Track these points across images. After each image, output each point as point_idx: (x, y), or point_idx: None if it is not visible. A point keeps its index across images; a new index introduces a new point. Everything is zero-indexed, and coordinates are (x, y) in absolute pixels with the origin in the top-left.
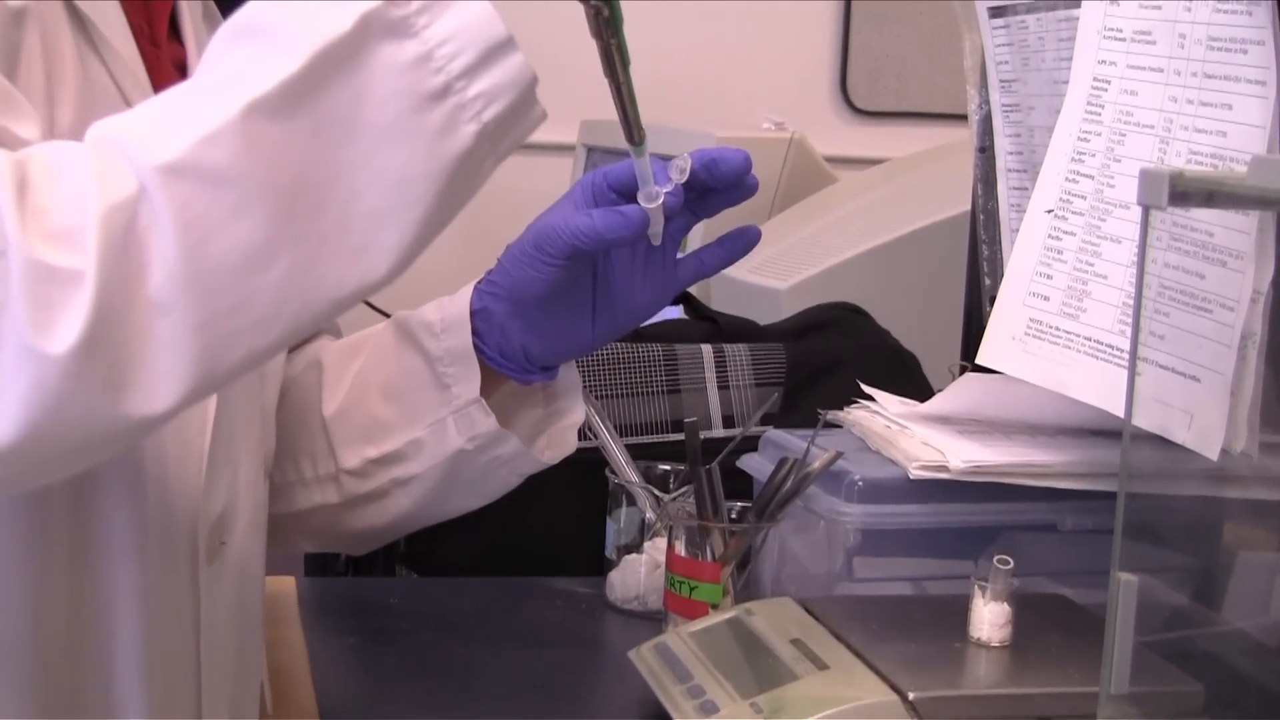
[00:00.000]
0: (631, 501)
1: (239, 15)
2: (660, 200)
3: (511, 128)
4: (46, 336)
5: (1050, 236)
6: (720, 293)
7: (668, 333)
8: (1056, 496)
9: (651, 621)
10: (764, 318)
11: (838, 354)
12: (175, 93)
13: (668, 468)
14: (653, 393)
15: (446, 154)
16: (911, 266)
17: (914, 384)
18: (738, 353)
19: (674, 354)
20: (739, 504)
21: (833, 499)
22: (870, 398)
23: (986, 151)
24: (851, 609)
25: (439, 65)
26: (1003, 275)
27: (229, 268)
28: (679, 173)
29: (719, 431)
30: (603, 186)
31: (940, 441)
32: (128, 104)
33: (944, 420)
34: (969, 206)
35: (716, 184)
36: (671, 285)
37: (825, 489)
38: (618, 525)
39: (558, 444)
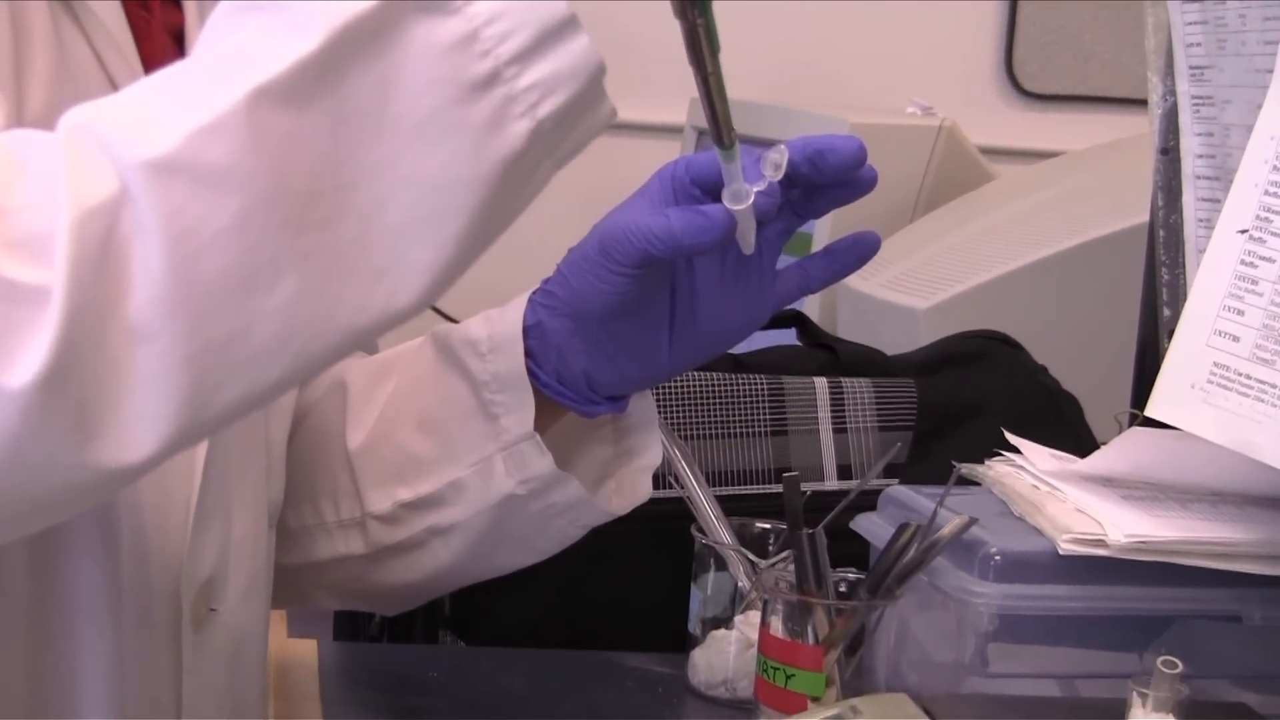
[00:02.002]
0: (722, 566)
1: None
2: (750, 200)
3: (573, 126)
4: (3, 367)
5: (1244, 262)
6: (848, 311)
7: (775, 362)
8: (1242, 582)
9: (741, 713)
10: (897, 343)
11: (981, 394)
12: (167, 74)
13: (768, 526)
14: (754, 434)
15: (493, 156)
16: (1078, 288)
17: (1072, 434)
18: (859, 389)
19: (781, 388)
20: (851, 574)
21: (964, 574)
22: (1016, 450)
23: (1170, 154)
24: (981, 710)
25: (485, 48)
26: (1185, 305)
27: (226, 289)
28: (773, 168)
29: (833, 484)
30: (684, 180)
31: (1098, 509)
32: (112, 82)
33: (1105, 482)
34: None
35: (824, 179)
36: (767, 303)
37: (955, 562)
38: (704, 594)
39: (628, 491)
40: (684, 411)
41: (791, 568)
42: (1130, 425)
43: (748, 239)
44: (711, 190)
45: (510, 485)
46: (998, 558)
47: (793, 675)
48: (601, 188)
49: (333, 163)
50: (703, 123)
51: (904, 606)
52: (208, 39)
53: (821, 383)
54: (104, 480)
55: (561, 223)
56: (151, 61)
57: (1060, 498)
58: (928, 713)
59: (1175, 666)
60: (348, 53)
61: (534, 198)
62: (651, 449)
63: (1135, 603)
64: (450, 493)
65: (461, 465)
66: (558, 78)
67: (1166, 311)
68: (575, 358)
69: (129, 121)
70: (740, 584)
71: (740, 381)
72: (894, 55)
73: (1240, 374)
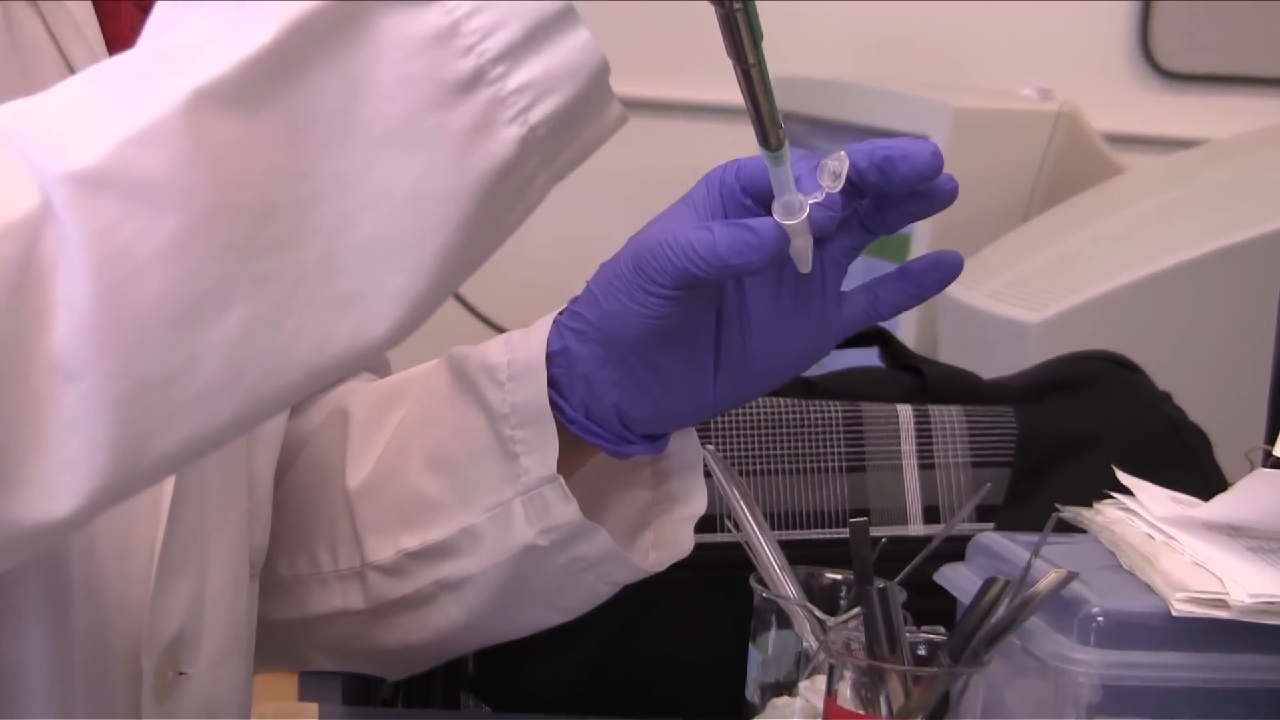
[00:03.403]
0: (785, 623)
1: None
2: (804, 214)
3: (573, 133)
4: None
5: None
6: (949, 326)
7: (852, 386)
8: None
9: None
10: (1005, 363)
11: (1092, 426)
12: (101, 71)
13: (839, 577)
14: (826, 469)
15: (477, 167)
16: (1214, 302)
17: (1198, 474)
18: (949, 418)
19: (859, 416)
20: (931, 635)
21: (1061, 638)
22: (1130, 491)
23: None
24: None
25: (468, 43)
26: None
27: (163, 319)
28: (831, 177)
29: (918, 528)
30: (734, 188)
31: (1220, 563)
32: (70, 68)
33: (1230, 531)
34: None
35: (895, 189)
36: (830, 331)
37: (1052, 623)
38: (763, 655)
39: (668, 545)
40: (744, 442)
41: (862, 628)
42: (1263, 464)
43: (804, 257)
44: (767, 201)
45: (530, 535)
46: (1101, 619)
47: None
48: (669, 176)
49: (289, 175)
50: (784, 104)
51: (992, 674)
52: (151, 31)
53: (906, 410)
54: (24, 537)
55: (612, 214)
56: (118, 44)
57: (1177, 549)
58: None
59: None
60: (306, 49)
61: (529, 213)
62: (695, 497)
63: (1262, 674)
64: (463, 541)
65: (476, 510)
66: (552, 78)
67: None
68: (606, 390)
69: (54, 128)
70: (806, 644)
71: (811, 408)
72: (1007, 28)
73: None
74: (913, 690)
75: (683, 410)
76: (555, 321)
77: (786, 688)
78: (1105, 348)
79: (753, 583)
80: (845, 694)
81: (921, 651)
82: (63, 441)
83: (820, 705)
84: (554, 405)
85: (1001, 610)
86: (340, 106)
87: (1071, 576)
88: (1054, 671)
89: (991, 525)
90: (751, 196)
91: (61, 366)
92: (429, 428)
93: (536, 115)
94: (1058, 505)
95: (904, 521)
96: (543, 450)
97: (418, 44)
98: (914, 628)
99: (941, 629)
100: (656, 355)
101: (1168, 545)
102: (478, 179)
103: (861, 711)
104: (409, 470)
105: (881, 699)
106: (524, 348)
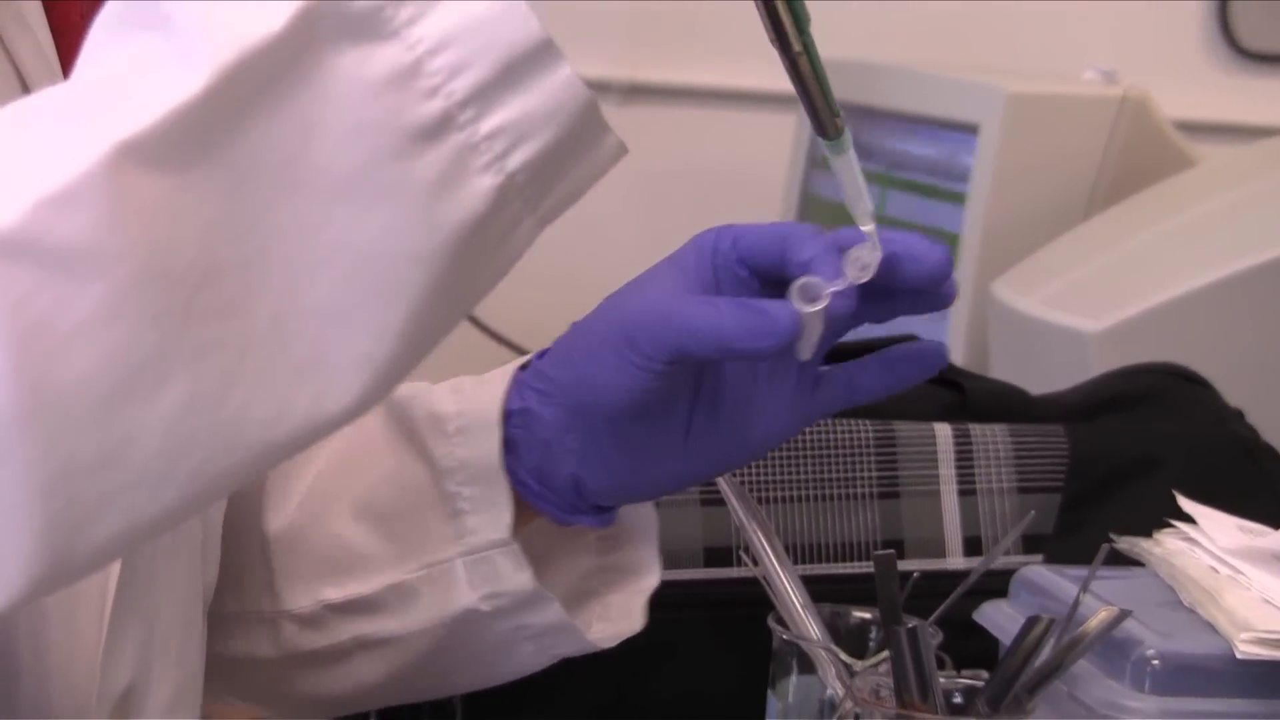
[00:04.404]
0: (807, 667)
1: None
2: (824, 302)
3: (560, 174)
4: None
5: None
6: (1001, 335)
7: (885, 403)
8: None
9: None
10: (1062, 377)
11: (1154, 446)
12: (26, 111)
13: (868, 616)
14: (855, 495)
15: (447, 222)
16: None
17: (1272, 499)
18: (992, 438)
19: (892, 437)
20: (969, 680)
21: (1113, 684)
22: (1192, 519)
23: None
24: None
25: (432, 84)
26: None
27: (91, 398)
28: (858, 268)
29: (957, 561)
30: (730, 257)
31: None
32: (10, 59)
33: None
34: None
35: (896, 287)
36: (804, 416)
37: (1103, 667)
38: (783, 703)
39: (618, 617)
40: (763, 467)
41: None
42: None
43: (809, 345)
44: (766, 274)
45: (473, 599)
46: (1156, 662)
47: None
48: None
49: (230, 232)
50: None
51: None
52: (84, 60)
53: (944, 430)
54: None
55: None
56: (67, 34)
57: (1244, 584)
58: None
59: None
60: (246, 94)
61: (513, 263)
62: (652, 569)
63: None
64: (390, 598)
65: (409, 566)
66: (531, 120)
67: None
68: (565, 457)
69: None
70: (830, 691)
71: (838, 428)
72: (1066, 5)
73: None
74: None
75: (642, 485)
76: (515, 378)
77: None
78: (1171, 359)
79: (771, 623)
80: None
81: (957, 699)
82: None
83: None
84: (505, 466)
85: (1047, 652)
86: (287, 155)
87: (1125, 615)
88: None
89: (1039, 558)
90: (749, 268)
91: None
92: (360, 472)
93: (515, 161)
94: (1112, 535)
95: (942, 554)
96: (493, 510)
97: (375, 85)
98: (951, 672)
99: (982, 673)
100: (626, 428)
101: (1233, 579)
102: (448, 235)
103: None
104: (335, 516)
105: None
106: (477, 400)
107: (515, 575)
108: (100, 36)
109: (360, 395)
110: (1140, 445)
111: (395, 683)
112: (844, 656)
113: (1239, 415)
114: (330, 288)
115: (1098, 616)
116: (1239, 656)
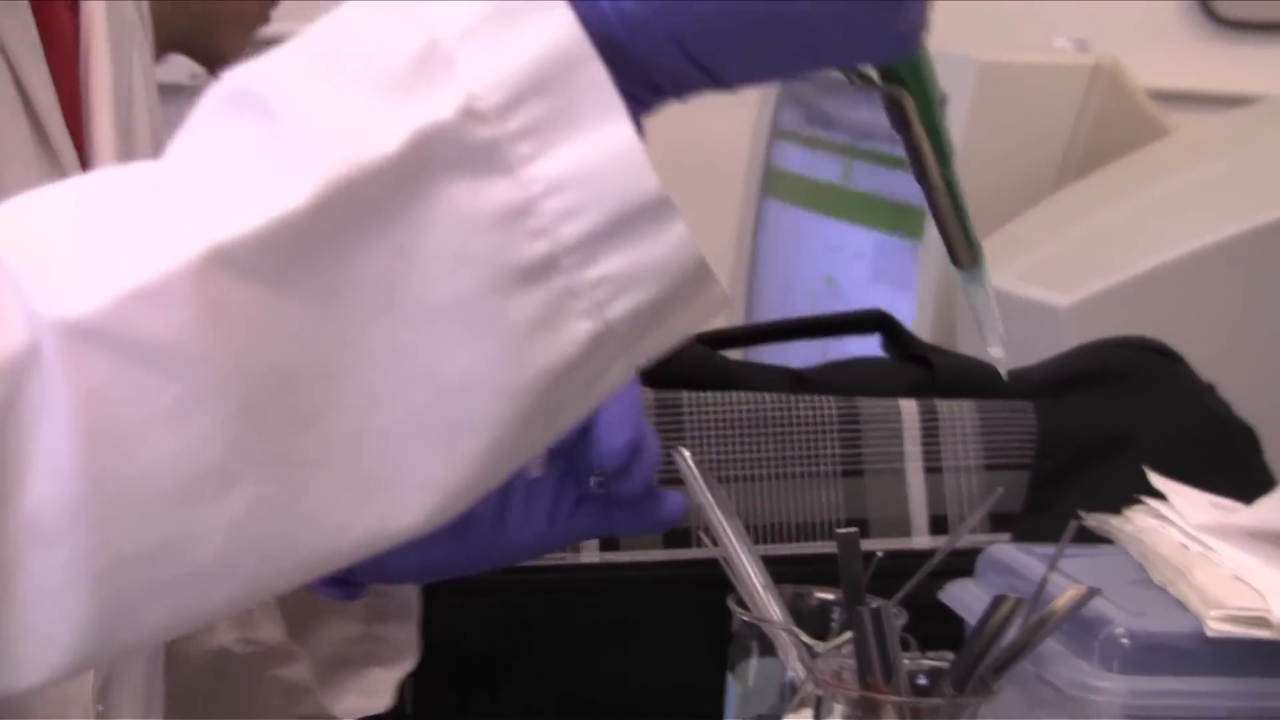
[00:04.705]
0: (768, 650)
1: (235, 74)
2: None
3: (661, 324)
4: None
5: None
6: (969, 310)
7: (850, 379)
8: None
9: None
10: (1033, 353)
11: (1125, 422)
12: (119, 189)
13: (831, 597)
14: (818, 474)
15: (538, 363)
16: (1269, 284)
17: (1246, 475)
18: (960, 415)
19: (856, 413)
20: (934, 662)
21: (1081, 663)
22: (1163, 496)
23: None
24: None
25: (541, 225)
26: None
27: (156, 493)
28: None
29: (923, 540)
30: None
31: (1263, 576)
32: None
33: (1278, 541)
34: None
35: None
36: (563, 530)
37: (1071, 646)
38: (743, 686)
39: (367, 692)
40: (723, 443)
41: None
42: None
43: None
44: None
45: (229, 639)
46: (1125, 641)
47: None
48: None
49: (318, 346)
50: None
51: (1002, 706)
52: (182, 139)
53: (910, 406)
54: None
55: None
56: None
57: (1215, 561)
58: None
59: None
60: (349, 213)
61: (599, 401)
62: (411, 651)
63: None
64: None
65: None
66: (636, 273)
67: None
68: None
69: (55, 263)
70: (791, 674)
71: (801, 405)
72: None
73: None
74: None
75: (400, 569)
76: None
77: None
78: (1144, 334)
79: (731, 604)
80: None
81: (922, 681)
82: (32, 610)
83: None
84: None
85: (1014, 632)
86: (384, 279)
87: (1093, 593)
88: (1073, 701)
89: (1007, 537)
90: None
91: (35, 530)
92: None
93: (615, 311)
94: (1081, 512)
95: (907, 533)
96: None
97: (483, 221)
98: (916, 654)
99: (948, 655)
100: None
101: (1204, 556)
102: (538, 375)
103: None
104: None
105: None
106: None
107: (269, 627)
108: (200, 119)
109: (427, 517)
110: (1111, 421)
111: None
112: (806, 638)
113: (1212, 390)
114: (410, 412)
115: (1066, 595)
116: (1209, 634)
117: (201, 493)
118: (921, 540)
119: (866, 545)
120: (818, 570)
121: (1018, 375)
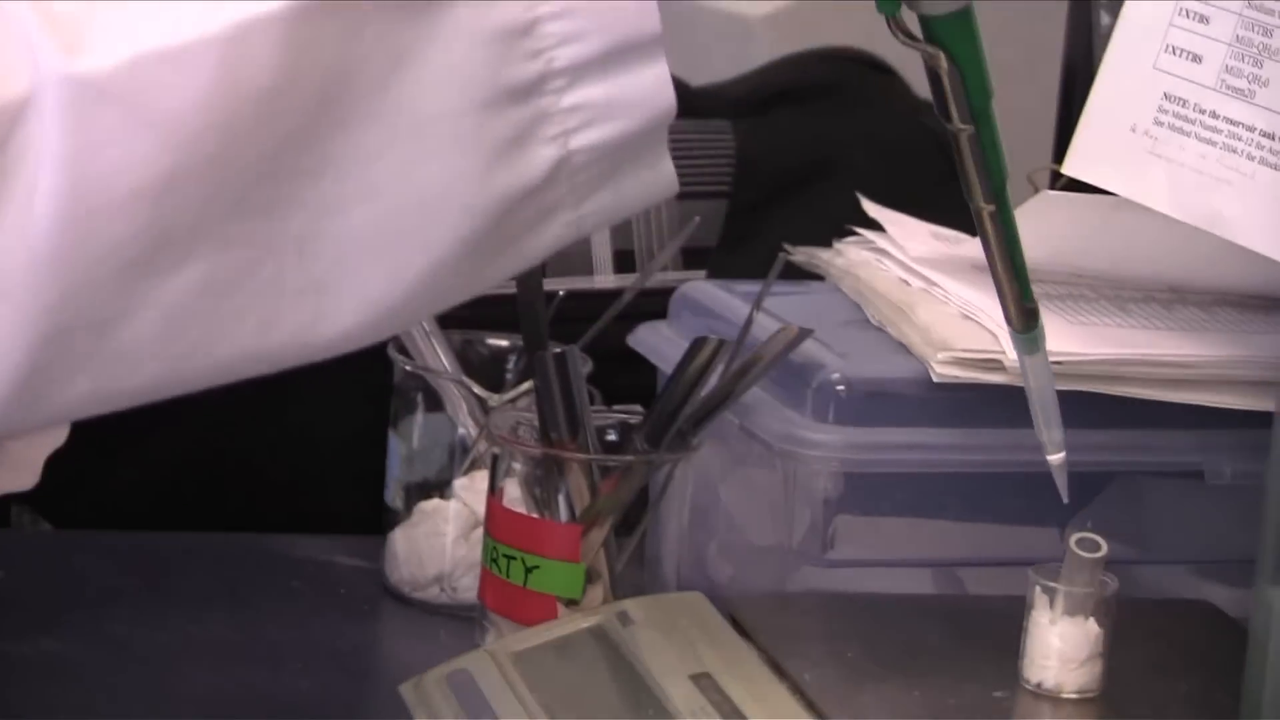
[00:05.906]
0: (434, 404)
1: None
2: None
3: (610, 178)
4: None
5: None
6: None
7: None
8: (1206, 422)
9: (462, 623)
10: (715, 69)
11: (834, 143)
12: None
13: (505, 343)
14: None
15: (500, 183)
16: None
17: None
18: None
19: None
20: (625, 415)
21: (793, 414)
22: (879, 226)
23: None
24: (814, 619)
25: (539, 46)
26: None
27: (121, 261)
28: None
29: (608, 279)
30: None
31: (995, 314)
32: None
33: None
34: None
35: None
36: None
37: (781, 396)
38: (406, 444)
39: (15, 466)
40: None
41: (534, 408)
42: (1050, 187)
43: None
44: None
45: None
46: (841, 389)
47: (536, 567)
48: None
49: (301, 141)
50: None
51: (703, 463)
52: None
53: None
54: None
55: None
56: None
57: (939, 297)
58: (734, 622)
59: (1098, 548)
60: (361, 11)
61: (535, 259)
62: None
63: (1042, 455)
64: None
65: None
66: (610, 105)
67: (1106, 18)
68: None
69: (73, 19)
70: (462, 431)
71: None
72: None
73: (1203, 110)
74: (600, 485)
75: None
76: None
77: (437, 487)
78: (852, 43)
79: (391, 352)
80: (513, 493)
81: (612, 437)
82: None
83: (480, 509)
84: None
85: (714, 380)
86: (378, 85)
87: (805, 334)
88: (783, 457)
89: (703, 273)
90: None
91: None
92: None
93: (579, 141)
94: (786, 245)
95: (589, 270)
96: None
97: (485, 36)
98: (603, 407)
99: (639, 408)
100: None
101: (928, 292)
102: (497, 198)
103: (534, 515)
104: None
105: (560, 498)
106: None
107: None
108: None
109: (351, 330)
110: (817, 143)
111: None
112: (478, 390)
113: (928, 107)
114: (367, 219)
115: (774, 337)
116: (935, 380)
117: (155, 266)
118: (606, 279)
119: (544, 286)
120: (488, 314)
121: (711, 92)
